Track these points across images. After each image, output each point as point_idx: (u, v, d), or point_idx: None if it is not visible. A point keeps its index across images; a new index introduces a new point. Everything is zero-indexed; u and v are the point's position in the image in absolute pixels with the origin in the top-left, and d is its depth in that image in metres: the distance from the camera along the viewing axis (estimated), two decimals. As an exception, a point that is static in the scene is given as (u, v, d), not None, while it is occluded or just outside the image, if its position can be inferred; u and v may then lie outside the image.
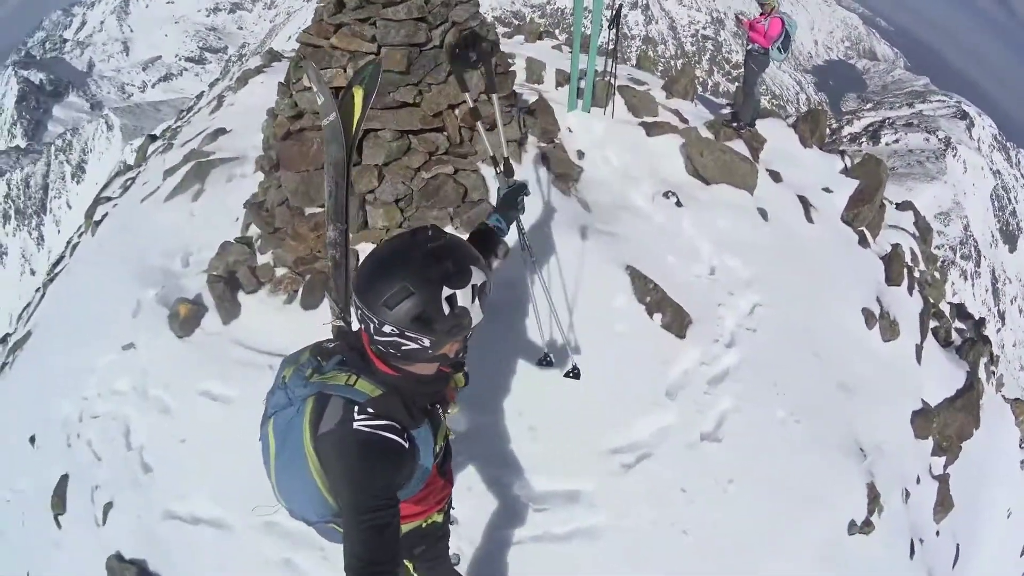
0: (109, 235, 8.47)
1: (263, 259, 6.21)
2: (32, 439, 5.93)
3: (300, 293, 5.87)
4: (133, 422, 5.33)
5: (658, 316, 5.84)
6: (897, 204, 10.79)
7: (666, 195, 7.57)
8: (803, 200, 8.34)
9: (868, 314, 6.99)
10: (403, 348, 1.90)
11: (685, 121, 9.24)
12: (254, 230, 6.47)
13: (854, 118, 78.01)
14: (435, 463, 2.24)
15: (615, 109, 9.04)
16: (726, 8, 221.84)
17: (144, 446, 5.13)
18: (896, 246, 8.61)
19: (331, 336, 2.47)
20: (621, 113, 9.14)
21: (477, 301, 1.91)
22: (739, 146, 8.66)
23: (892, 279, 7.96)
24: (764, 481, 4.96)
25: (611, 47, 9.00)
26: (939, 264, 10.37)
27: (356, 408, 1.91)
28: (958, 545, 6.97)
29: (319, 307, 5.68)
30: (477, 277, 1.89)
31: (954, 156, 63.06)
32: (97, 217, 9.52)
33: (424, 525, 2.49)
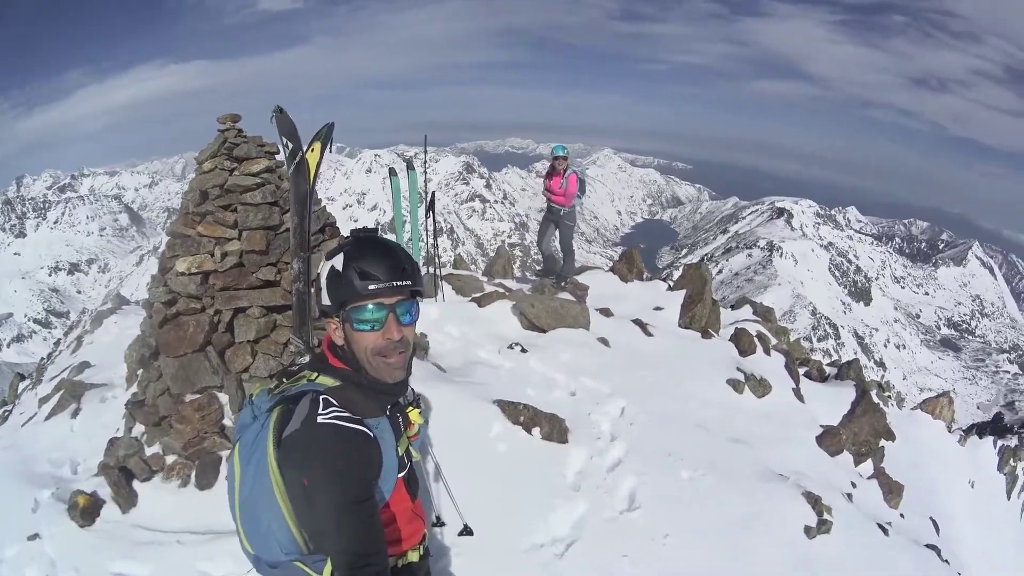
0: (-8, 458, 8.02)
1: (152, 450, 6.31)
2: None
3: (194, 475, 6.01)
4: None
5: (536, 430, 6.10)
6: (732, 305, 12.25)
7: (511, 347, 8.15)
8: (638, 322, 9.29)
9: (734, 383, 7.71)
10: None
11: (510, 291, 10.23)
12: (139, 429, 6.58)
13: (672, 269, 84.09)
14: (401, 475, 2.24)
15: (444, 295, 9.95)
16: (527, 211, 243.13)
17: None
18: (745, 329, 9.62)
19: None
20: (451, 297, 10.05)
21: (326, 282, 2.09)
22: (566, 296, 9.71)
23: (744, 350, 8.88)
24: (700, 524, 5.17)
25: (431, 232, 10.00)
26: (791, 339, 11.72)
27: (321, 401, 1.97)
28: (932, 519, 7.61)
29: (215, 486, 5.85)
30: (337, 262, 2.06)
31: (780, 255, 68.74)
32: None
33: (400, 565, 2.35)
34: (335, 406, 1.98)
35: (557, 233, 10.67)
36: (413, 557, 2.41)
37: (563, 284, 10.33)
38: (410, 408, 2.35)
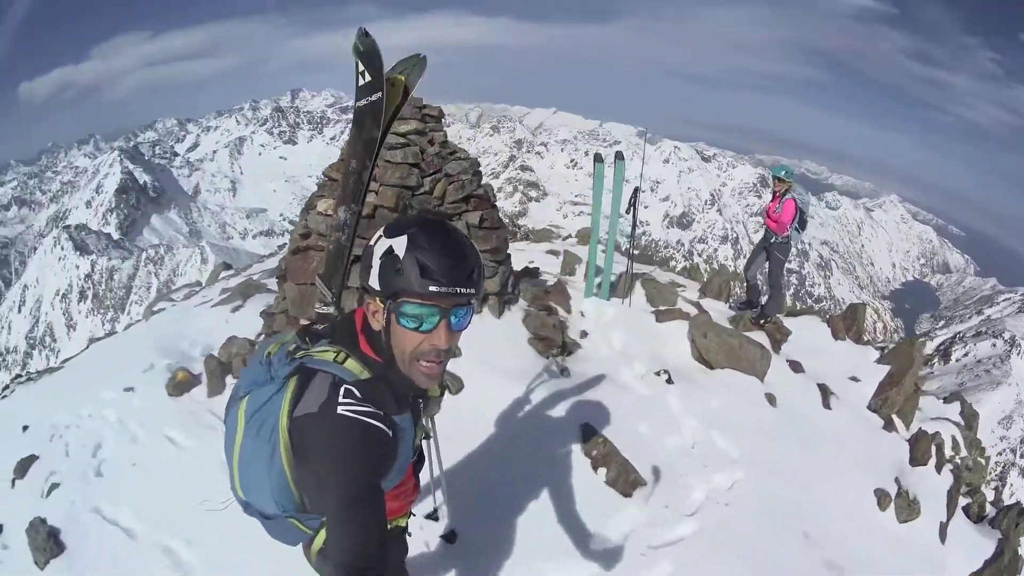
0: (158, 323, 11.00)
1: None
2: (25, 427, 7.70)
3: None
4: (105, 441, 6.75)
5: (603, 470, 5.75)
6: (944, 398, 10.58)
7: (658, 373, 7.74)
8: (823, 388, 8.16)
9: (881, 495, 6.36)
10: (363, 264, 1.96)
11: (703, 312, 9.54)
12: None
13: (927, 339, 77.93)
14: (412, 460, 2.26)
15: (631, 299, 9.74)
16: (810, 239, 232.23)
17: (105, 459, 6.46)
18: (927, 433, 8.01)
19: (316, 319, 2.57)
20: (640, 302, 9.76)
21: (379, 264, 1.88)
22: (759, 336, 8.83)
23: (917, 459, 7.35)
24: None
25: (630, 232, 9.82)
26: (983, 452, 9.90)
27: (342, 390, 1.89)
28: None
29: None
30: (398, 246, 1.85)
31: (1019, 354, 61.52)
32: (156, 309, 12.58)
33: (389, 528, 2.47)
34: (358, 398, 1.89)
35: (767, 263, 9.67)
36: (402, 522, 2.60)
37: (762, 322, 9.36)
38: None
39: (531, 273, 10.17)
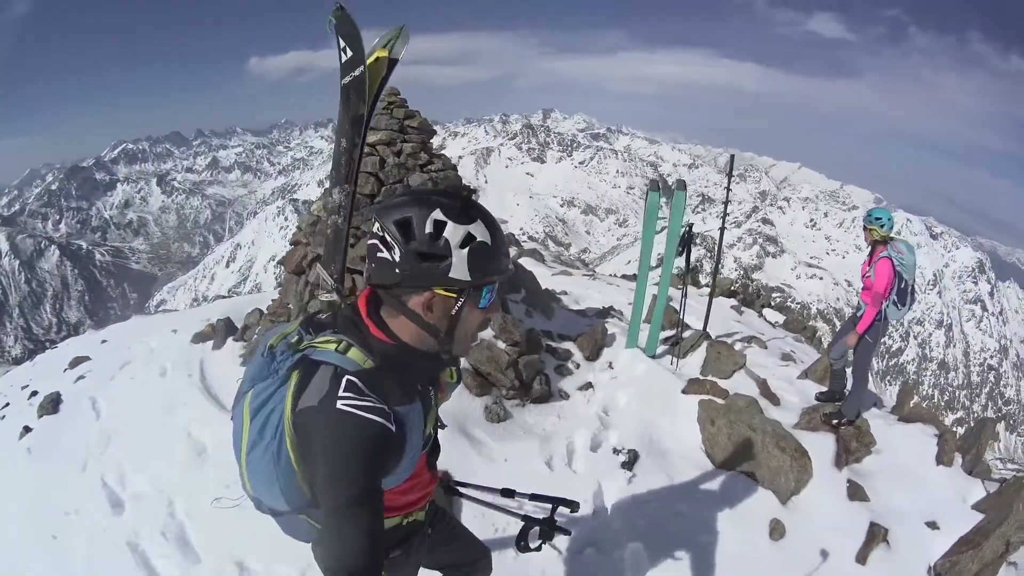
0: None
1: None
2: (103, 341, 11.07)
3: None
4: (134, 359, 9.75)
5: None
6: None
7: (617, 451, 6.36)
8: (875, 531, 5.78)
9: None
10: (377, 255, 1.88)
11: (772, 400, 7.67)
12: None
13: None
14: (424, 451, 2.20)
15: (680, 360, 8.32)
16: (1012, 335, 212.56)
17: (120, 373, 9.36)
18: None
19: (320, 310, 2.40)
20: (694, 367, 8.18)
21: (465, 251, 1.85)
22: (822, 441, 6.70)
23: None
24: None
25: (684, 275, 8.39)
26: None
27: (344, 383, 1.82)
28: None
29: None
30: (479, 231, 1.86)
31: None
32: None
33: (404, 523, 2.39)
34: (359, 391, 1.82)
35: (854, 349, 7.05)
36: (419, 516, 2.48)
37: (835, 423, 7.02)
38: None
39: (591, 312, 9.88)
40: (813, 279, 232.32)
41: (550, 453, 6.36)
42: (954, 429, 7.72)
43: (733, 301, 14.57)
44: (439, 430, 2.44)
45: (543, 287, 11.08)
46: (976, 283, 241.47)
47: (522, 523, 3.12)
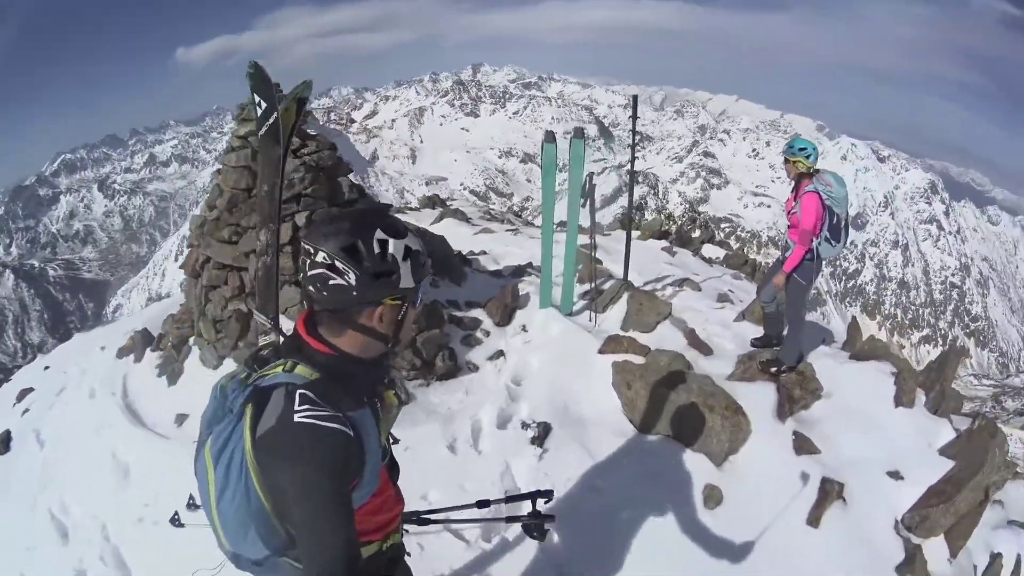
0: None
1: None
2: (46, 367, 10.78)
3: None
4: (69, 384, 9.09)
5: None
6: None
7: (525, 425, 5.63)
8: (826, 487, 5.10)
9: None
10: (330, 283, 1.92)
11: (703, 350, 6.88)
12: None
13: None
14: (383, 463, 2.23)
15: (598, 316, 7.53)
16: (973, 253, 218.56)
17: (58, 400, 8.73)
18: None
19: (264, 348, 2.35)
20: (612, 321, 7.44)
21: (408, 262, 1.97)
22: (764, 392, 5.98)
23: None
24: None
25: (589, 224, 7.58)
26: None
27: (297, 397, 1.84)
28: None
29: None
30: (412, 242, 1.99)
31: None
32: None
33: (385, 547, 2.37)
34: (313, 402, 1.85)
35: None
36: (396, 538, 2.48)
37: (774, 370, 6.27)
38: (386, 391, 2.29)
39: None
40: (761, 207, 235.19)
41: (453, 435, 5.68)
42: (920, 349, 7.03)
43: (664, 243, 13.74)
44: (393, 445, 2.47)
45: (458, 250, 10.30)
46: (930, 203, 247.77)
47: (508, 524, 3.36)
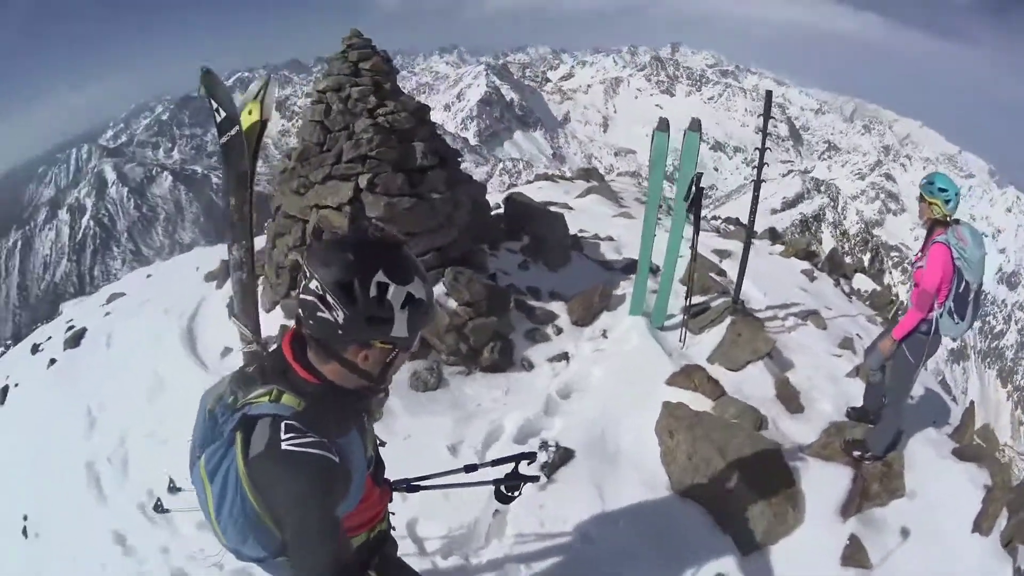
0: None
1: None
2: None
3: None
4: None
5: None
6: None
7: (544, 446, 5.13)
8: None
9: None
10: (318, 315, 1.90)
11: (791, 406, 5.98)
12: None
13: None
14: (369, 471, 2.30)
15: (687, 337, 6.76)
16: None
17: None
18: None
19: (245, 363, 2.51)
20: (705, 347, 6.63)
21: (406, 311, 1.92)
22: (836, 477, 5.14)
23: None
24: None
25: (693, 235, 6.62)
26: None
27: (283, 426, 1.88)
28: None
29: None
30: (417, 290, 1.93)
31: None
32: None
33: (371, 536, 2.47)
34: (298, 430, 1.89)
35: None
36: (383, 526, 2.57)
37: (859, 455, 5.33)
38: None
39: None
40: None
41: (461, 436, 5.36)
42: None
43: (807, 264, 12.34)
44: (380, 447, 2.56)
45: (574, 233, 9.81)
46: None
47: (492, 487, 3.21)
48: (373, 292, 1.86)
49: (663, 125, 6.16)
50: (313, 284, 1.87)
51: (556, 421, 5.55)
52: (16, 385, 8.61)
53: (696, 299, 7.28)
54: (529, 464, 3.33)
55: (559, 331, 7.02)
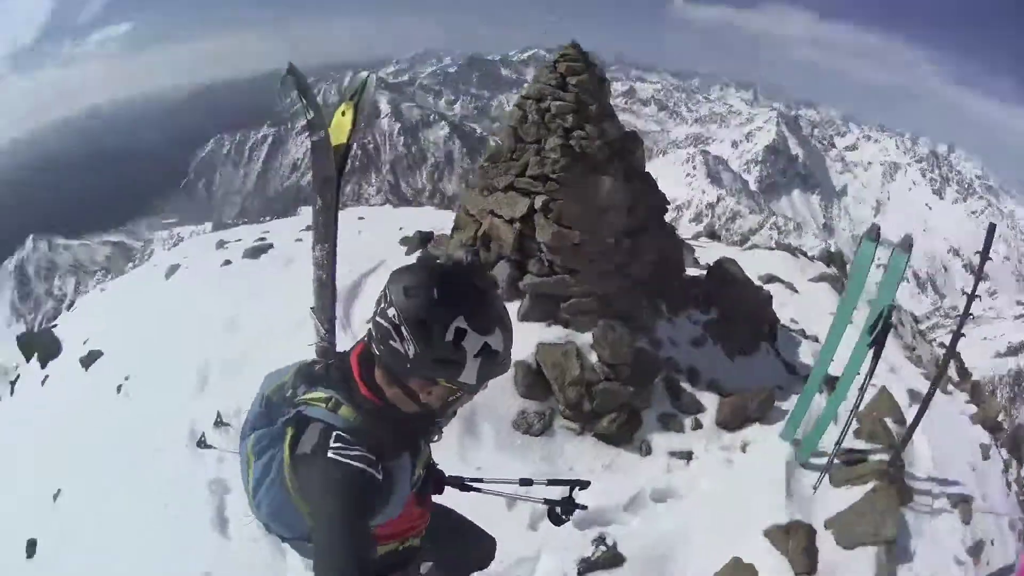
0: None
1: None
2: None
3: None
4: None
5: None
6: None
7: (595, 543, 4.84)
8: None
9: None
10: (389, 343, 1.89)
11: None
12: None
13: None
14: (413, 490, 2.29)
15: (836, 495, 5.76)
16: None
17: None
18: None
19: (316, 358, 2.48)
20: (835, 504, 5.69)
21: (479, 360, 1.88)
22: None
23: None
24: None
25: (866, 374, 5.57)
26: None
27: (334, 435, 1.94)
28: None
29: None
30: (495, 342, 1.89)
31: None
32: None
33: (400, 548, 2.49)
34: (347, 442, 1.94)
35: None
36: (414, 542, 2.56)
37: None
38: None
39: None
40: None
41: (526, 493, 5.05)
42: None
43: (987, 438, 10.34)
44: (436, 467, 2.61)
45: (790, 321, 9.17)
46: None
47: (545, 505, 3.20)
48: (450, 336, 1.82)
49: (873, 232, 5.44)
50: (391, 312, 1.85)
51: (631, 520, 5.24)
52: (186, 268, 10.17)
53: (860, 444, 6.33)
54: (581, 490, 3.27)
55: (697, 426, 6.51)
